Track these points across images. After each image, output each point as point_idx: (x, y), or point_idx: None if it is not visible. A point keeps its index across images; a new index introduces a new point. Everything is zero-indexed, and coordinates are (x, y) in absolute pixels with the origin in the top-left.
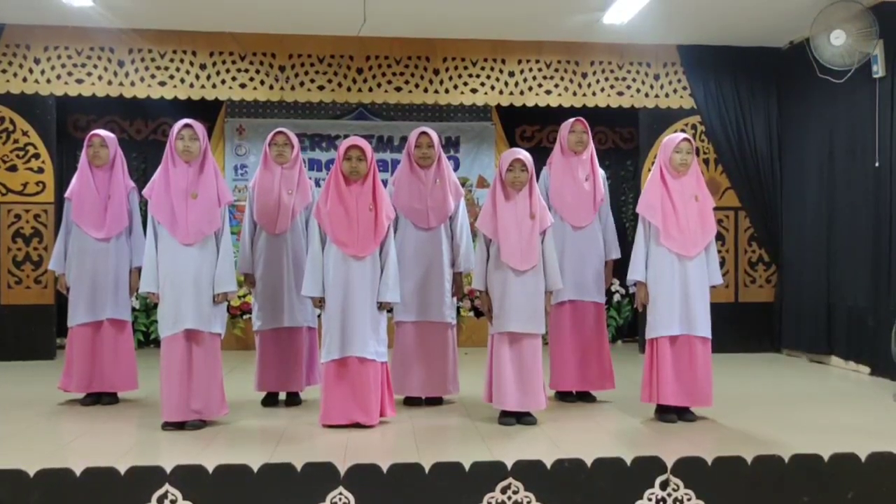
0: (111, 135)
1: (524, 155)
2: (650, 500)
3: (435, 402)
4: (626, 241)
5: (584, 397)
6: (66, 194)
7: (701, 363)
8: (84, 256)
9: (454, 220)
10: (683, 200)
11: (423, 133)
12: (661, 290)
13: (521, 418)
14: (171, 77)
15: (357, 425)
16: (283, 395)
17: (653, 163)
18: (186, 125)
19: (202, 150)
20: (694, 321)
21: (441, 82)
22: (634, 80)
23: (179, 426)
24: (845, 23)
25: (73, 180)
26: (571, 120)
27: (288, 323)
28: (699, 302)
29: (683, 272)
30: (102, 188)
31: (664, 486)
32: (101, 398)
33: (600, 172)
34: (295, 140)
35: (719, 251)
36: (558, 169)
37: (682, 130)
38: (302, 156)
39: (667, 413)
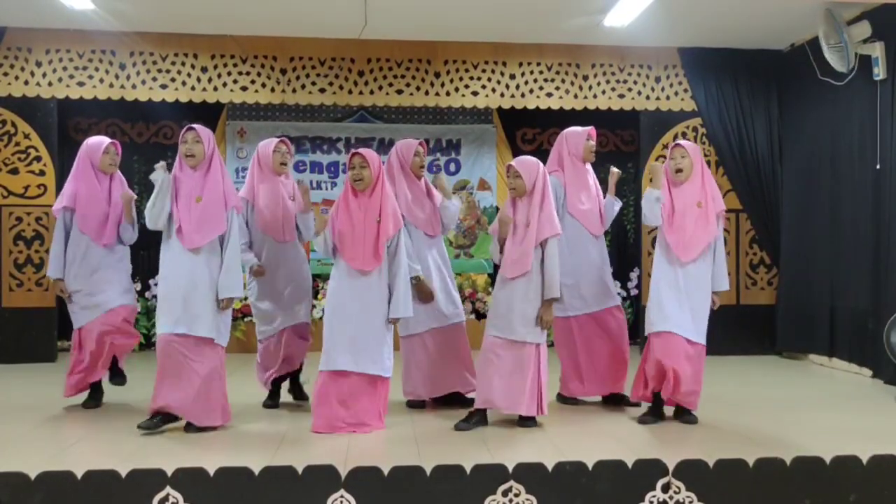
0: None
1: (518, 160)
2: (651, 502)
3: (457, 398)
4: (626, 242)
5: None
6: (67, 203)
7: (692, 365)
8: (90, 261)
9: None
10: (683, 206)
11: (423, 141)
12: (663, 291)
13: (522, 422)
14: (173, 80)
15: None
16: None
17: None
18: (189, 128)
19: (207, 153)
20: (689, 325)
21: (442, 85)
22: (635, 82)
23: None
24: (826, 33)
25: (74, 187)
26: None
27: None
28: (696, 306)
29: (681, 276)
30: (105, 196)
31: (666, 488)
32: (101, 401)
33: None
34: (291, 148)
35: None
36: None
37: (684, 133)
38: (304, 158)
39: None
